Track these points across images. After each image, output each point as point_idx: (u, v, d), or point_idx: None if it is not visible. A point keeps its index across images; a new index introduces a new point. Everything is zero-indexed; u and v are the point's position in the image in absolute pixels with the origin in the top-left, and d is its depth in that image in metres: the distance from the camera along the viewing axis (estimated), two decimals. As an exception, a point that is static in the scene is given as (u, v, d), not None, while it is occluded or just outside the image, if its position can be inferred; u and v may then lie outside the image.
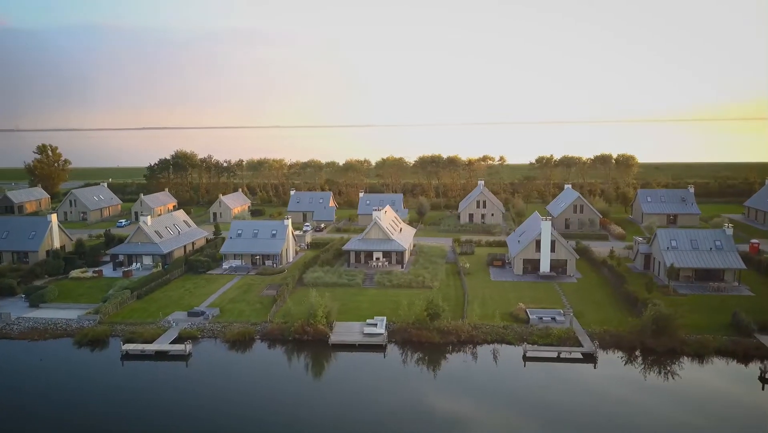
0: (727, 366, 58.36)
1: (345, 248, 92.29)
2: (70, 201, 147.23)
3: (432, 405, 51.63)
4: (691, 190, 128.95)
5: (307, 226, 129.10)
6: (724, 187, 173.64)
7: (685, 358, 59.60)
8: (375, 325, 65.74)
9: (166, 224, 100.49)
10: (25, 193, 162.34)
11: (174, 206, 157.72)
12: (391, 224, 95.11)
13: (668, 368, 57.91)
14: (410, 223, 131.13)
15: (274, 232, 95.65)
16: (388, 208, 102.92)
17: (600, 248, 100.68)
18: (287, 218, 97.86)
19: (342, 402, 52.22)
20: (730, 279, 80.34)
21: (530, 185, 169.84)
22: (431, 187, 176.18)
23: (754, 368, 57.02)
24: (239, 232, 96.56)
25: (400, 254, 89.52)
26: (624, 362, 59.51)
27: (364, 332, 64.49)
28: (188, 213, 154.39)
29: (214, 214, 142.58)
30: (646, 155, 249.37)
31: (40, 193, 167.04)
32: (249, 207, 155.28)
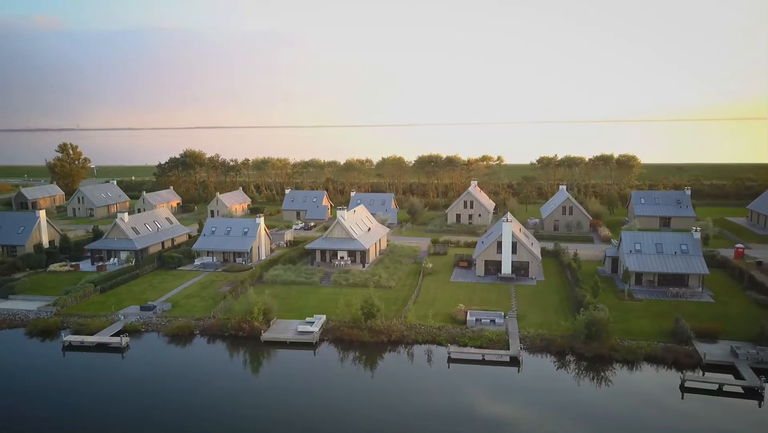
0: (656, 373, 56.63)
1: (309, 246, 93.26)
2: (78, 198, 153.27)
3: (348, 404, 52.03)
4: (688, 192, 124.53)
5: (297, 224, 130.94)
6: (741, 189, 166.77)
7: (616, 364, 58.11)
8: (312, 323, 66.39)
9: (146, 220, 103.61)
10: (39, 190, 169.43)
11: (178, 204, 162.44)
12: (357, 223, 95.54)
13: (594, 375, 56.63)
14: (400, 222, 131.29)
15: (245, 230, 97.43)
16: (360, 207, 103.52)
17: (583, 251, 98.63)
18: (259, 216, 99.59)
19: (264, 397, 53.38)
20: (695, 284, 77.51)
21: (529, 185, 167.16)
22: (432, 186, 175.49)
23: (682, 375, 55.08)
24: (213, 229, 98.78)
25: (362, 253, 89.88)
26: (550, 367, 58.42)
27: (299, 330, 65.23)
28: (192, 210, 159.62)
29: (212, 212, 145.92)
30: (653, 156, 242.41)
31: (54, 190, 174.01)
32: (249, 205, 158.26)
